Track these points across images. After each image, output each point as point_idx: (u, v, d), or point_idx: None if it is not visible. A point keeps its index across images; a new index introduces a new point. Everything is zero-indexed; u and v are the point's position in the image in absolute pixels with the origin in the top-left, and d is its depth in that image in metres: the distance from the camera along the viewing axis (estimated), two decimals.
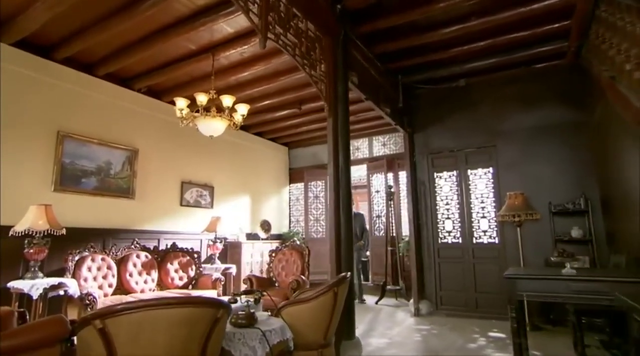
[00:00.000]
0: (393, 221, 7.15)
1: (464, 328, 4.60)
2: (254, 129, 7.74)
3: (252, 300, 2.33)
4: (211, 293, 5.02)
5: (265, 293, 2.47)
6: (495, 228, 5.20)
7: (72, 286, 3.71)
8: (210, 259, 6.02)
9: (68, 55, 4.66)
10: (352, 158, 8.17)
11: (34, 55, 4.48)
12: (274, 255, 5.71)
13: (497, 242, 5.17)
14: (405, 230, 7.10)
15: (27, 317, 2.70)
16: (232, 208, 6.98)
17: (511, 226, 4.98)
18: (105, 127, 5.14)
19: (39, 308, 3.51)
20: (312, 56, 3.46)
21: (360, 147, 8.18)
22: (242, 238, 6.91)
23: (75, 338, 2.51)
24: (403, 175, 7.49)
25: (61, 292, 3.81)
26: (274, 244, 7.55)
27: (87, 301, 3.71)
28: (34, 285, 3.43)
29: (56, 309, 3.96)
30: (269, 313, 2.57)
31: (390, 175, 7.56)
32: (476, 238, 5.34)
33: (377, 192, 7.72)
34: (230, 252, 6.62)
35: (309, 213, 8.46)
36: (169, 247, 5.45)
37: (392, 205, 7.06)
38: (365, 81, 4.39)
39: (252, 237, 7.17)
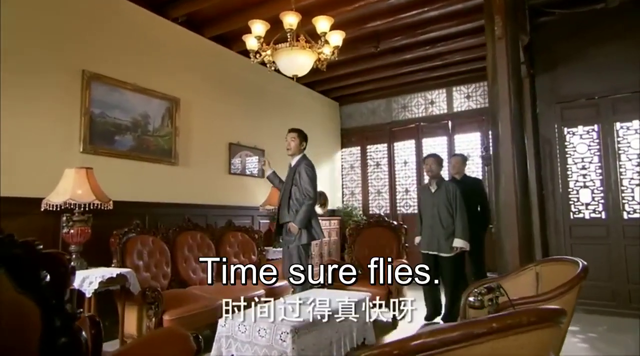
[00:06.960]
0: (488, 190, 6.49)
1: (630, 331, 3.98)
2: (304, 79, 6.94)
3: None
4: (282, 285, 4.43)
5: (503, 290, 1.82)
6: None
7: (131, 279, 3.08)
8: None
9: None
10: (425, 114, 7.59)
11: None
12: (354, 234, 5.09)
13: None
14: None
15: (101, 325, 2.08)
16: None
17: None
18: (139, 68, 4.37)
19: (92, 310, 2.90)
20: None
21: (435, 101, 7.38)
22: None
23: None
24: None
25: (112, 287, 3.21)
26: (333, 221, 6.99)
27: (152, 299, 3.10)
28: (86, 278, 2.80)
29: (108, 309, 3.37)
30: None
31: (477, 135, 6.86)
32: (629, 213, 4.62)
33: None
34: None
35: (368, 185, 7.79)
36: (218, 224, 4.84)
37: (488, 172, 6.36)
38: None
39: None
